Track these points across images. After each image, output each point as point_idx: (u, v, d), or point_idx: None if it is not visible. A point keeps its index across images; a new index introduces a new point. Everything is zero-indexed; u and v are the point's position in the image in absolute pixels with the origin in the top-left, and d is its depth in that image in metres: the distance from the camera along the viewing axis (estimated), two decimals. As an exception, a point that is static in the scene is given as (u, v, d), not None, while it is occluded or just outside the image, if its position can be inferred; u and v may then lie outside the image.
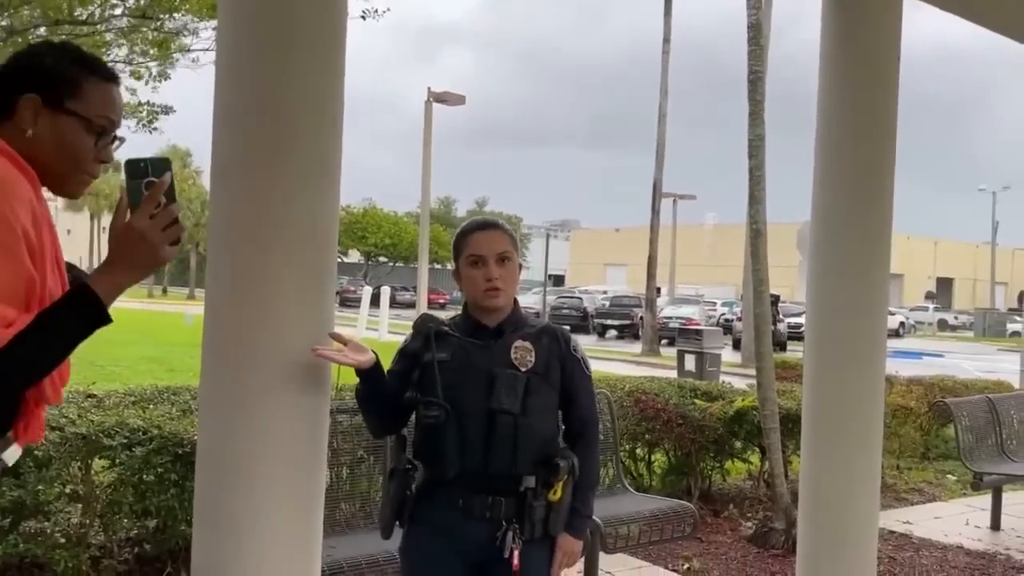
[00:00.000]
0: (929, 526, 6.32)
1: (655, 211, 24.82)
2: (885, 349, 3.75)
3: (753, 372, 6.69)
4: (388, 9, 6.75)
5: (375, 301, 26.66)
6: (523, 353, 2.33)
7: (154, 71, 9.38)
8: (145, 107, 10.61)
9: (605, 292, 40.51)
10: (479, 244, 2.38)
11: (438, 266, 49.75)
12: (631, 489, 5.23)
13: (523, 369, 2.31)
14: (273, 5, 2.07)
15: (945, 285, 63.88)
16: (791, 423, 6.04)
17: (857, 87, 3.58)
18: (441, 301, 45.61)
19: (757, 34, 6.05)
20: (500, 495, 2.29)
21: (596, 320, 34.21)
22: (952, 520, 6.53)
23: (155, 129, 11.39)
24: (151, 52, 8.76)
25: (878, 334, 3.64)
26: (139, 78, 9.82)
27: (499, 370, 2.30)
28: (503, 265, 2.35)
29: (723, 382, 7.67)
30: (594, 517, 2.48)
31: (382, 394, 2.32)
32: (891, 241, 3.67)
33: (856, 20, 3.59)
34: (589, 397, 2.47)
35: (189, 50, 9.01)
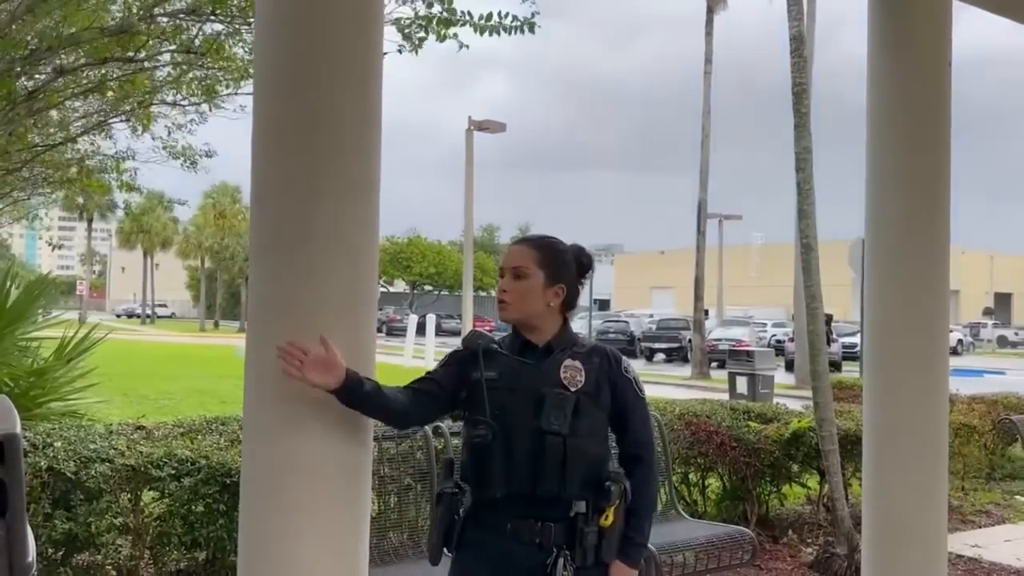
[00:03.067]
0: (1000, 549, 6.04)
1: (700, 232, 24.59)
2: (948, 365, 3.60)
3: (808, 393, 6.52)
4: (424, 38, 6.72)
5: (421, 330, 26.78)
6: (573, 372, 2.27)
7: (195, 116, 9.60)
8: (188, 149, 10.87)
9: (651, 315, 40.09)
10: (503, 257, 2.39)
11: (482, 293, 49.86)
12: (685, 515, 5.09)
13: (572, 389, 2.25)
14: (308, 34, 2.06)
15: (1003, 300, 62.07)
16: (850, 444, 5.85)
17: (908, 95, 3.47)
18: (486, 328, 45.61)
19: (799, 46, 5.96)
20: (550, 520, 2.22)
21: (643, 344, 33.84)
22: (1024, 543, 6.24)
23: (199, 170, 11.62)
24: (197, 95, 8.95)
25: (940, 350, 3.51)
26: (181, 129, 10.09)
27: (548, 389, 2.23)
28: (516, 280, 2.31)
29: (777, 404, 7.47)
30: (649, 545, 2.37)
31: (367, 402, 2.11)
32: (949, 253, 3.54)
33: (904, 26, 3.50)
34: (643, 419, 2.38)
35: (236, 93, 9.18)
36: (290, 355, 1.99)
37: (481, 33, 6.26)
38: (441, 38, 6.51)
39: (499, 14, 6.27)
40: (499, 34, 6.29)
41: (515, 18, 6.25)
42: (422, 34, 6.48)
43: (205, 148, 11.15)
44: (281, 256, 2.06)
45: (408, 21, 6.51)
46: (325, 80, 2.05)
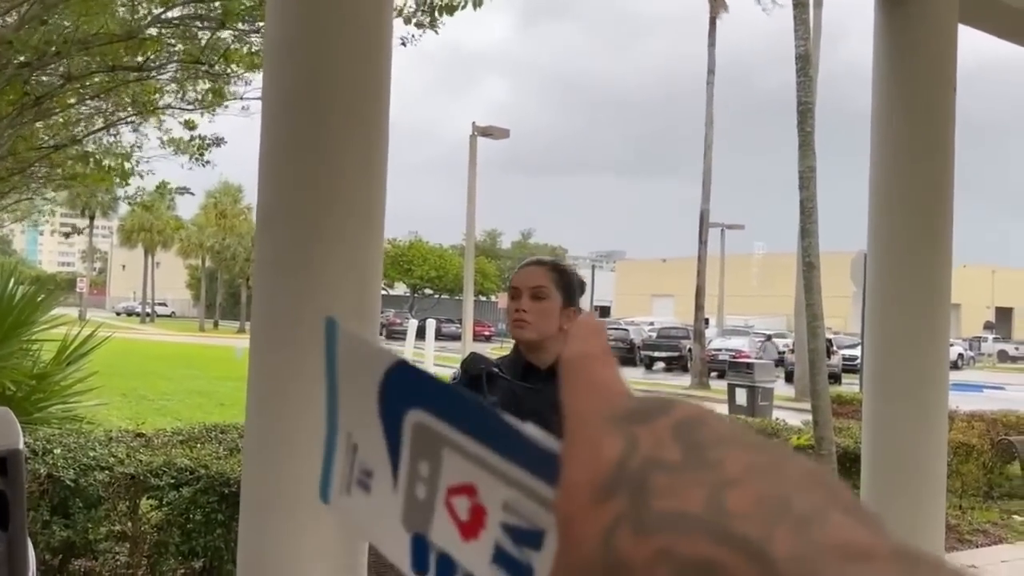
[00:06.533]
0: (997, 570, 6.03)
1: (702, 241, 24.65)
2: (948, 383, 3.60)
3: (807, 406, 6.52)
4: (423, 32, 6.78)
5: (421, 333, 26.76)
6: None
7: (204, 113, 9.65)
8: (196, 140, 10.87)
9: (652, 323, 40.12)
10: (518, 277, 2.42)
11: (483, 298, 49.90)
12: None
13: None
14: (318, 49, 2.07)
15: (1004, 315, 62.10)
16: (848, 462, 5.85)
17: (911, 116, 3.48)
18: (486, 333, 45.63)
19: (806, 65, 5.97)
20: None
21: (643, 352, 33.82)
22: (1021, 564, 6.23)
23: (207, 162, 11.65)
24: (205, 99, 9.00)
25: (940, 368, 3.50)
26: (192, 127, 10.15)
27: (551, 416, 2.23)
28: (536, 300, 2.34)
29: (776, 419, 7.47)
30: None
31: None
32: (951, 269, 3.55)
33: (909, 42, 3.50)
34: None
35: (241, 97, 9.24)
36: None
37: (478, 6, 6.37)
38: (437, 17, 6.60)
39: None
40: None
41: None
42: (429, 19, 6.57)
43: (214, 136, 11.15)
44: (286, 276, 2.07)
45: (412, 9, 6.58)
46: (333, 103, 2.06)
